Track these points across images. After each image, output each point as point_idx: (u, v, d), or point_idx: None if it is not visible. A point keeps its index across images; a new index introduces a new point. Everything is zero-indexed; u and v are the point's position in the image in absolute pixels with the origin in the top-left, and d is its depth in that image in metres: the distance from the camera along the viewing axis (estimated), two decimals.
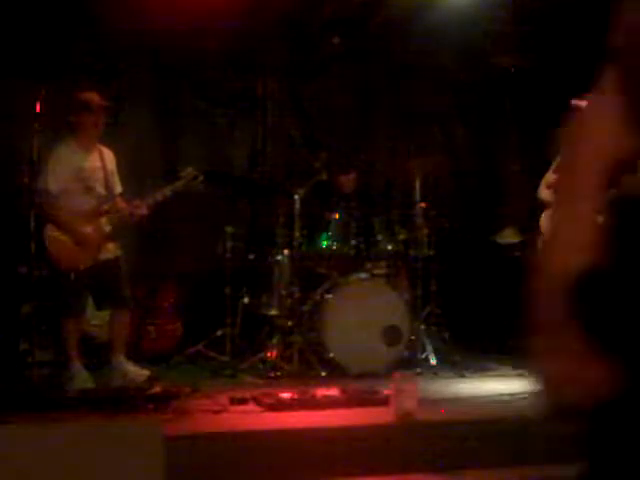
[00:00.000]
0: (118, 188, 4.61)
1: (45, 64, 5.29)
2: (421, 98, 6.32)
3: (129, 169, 4.78)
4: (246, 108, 6.18)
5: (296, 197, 4.95)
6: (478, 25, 6.08)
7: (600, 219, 0.77)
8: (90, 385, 4.29)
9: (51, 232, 4.37)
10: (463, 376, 4.76)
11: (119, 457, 2.33)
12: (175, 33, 5.53)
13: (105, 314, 4.69)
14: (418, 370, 4.75)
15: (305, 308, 4.98)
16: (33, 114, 4.21)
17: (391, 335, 4.84)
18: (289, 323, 4.89)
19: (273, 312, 5.03)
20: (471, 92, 6.50)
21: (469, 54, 6.28)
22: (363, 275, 5.04)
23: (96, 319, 4.86)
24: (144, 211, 4.52)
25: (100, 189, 4.51)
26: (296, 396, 3.91)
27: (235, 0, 5.57)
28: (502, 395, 4.09)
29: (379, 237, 5.10)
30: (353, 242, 5.04)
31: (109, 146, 4.64)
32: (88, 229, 4.42)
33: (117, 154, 4.68)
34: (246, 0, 5.63)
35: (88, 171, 4.48)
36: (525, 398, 3.92)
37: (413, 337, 4.97)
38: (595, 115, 0.78)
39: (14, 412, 3.52)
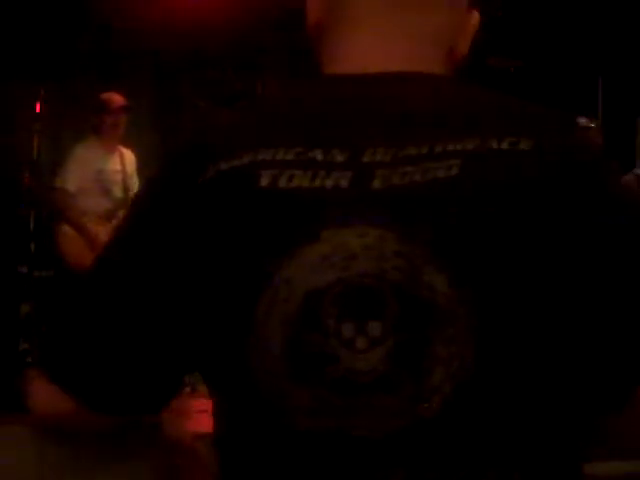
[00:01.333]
0: (135, 190, 4.59)
1: (45, 64, 5.29)
2: None
3: None
4: None
5: None
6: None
7: None
8: None
9: (66, 231, 4.37)
10: None
11: (118, 457, 2.33)
12: (175, 33, 5.53)
13: None
14: None
15: None
16: (33, 115, 4.21)
17: None
18: None
19: None
20: None
21: (468, 55, 6.28)
22: None
23: None
24: None
25: (118, 192, 4.50)
26: None
27: (235, 1, 5.57)
28: None
29: None
30: None
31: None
32: (101, 232, 4.40)
33: None
34: (246, 0, 5.63)
35: (108, 173, 4.47)
36: None
37: None
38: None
39: (14, 412, 3.52)
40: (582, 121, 5.37)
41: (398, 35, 0.86)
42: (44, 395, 0.89)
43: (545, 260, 0.73)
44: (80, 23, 5.56)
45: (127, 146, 4.79)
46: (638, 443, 0.75)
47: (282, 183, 0.76)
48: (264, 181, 0.76)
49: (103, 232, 4.40)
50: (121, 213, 4.46)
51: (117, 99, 4.50)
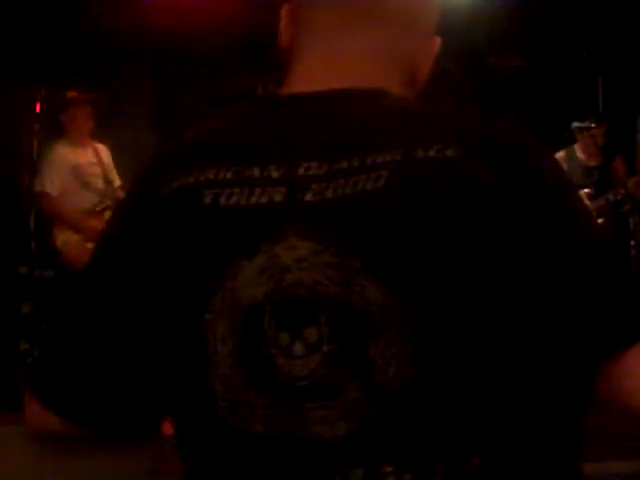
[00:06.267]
0: (117, 182, 4.63)
1: (45, 64, 5.29)
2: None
3: (128, 168, 4.78)
4: None
5: None
6: (477, 26, 6.09)
7: None
8: None
9: (62, 233, 4.37)
10: None
11: (118, 457, 2.33)
12: (175, 33, 5.53)
13: None
14: None
15: None
16: (33, 114, 4.21)
17: None
18: None
19: None
20: (470, 93, 6.51)
21: (468, 55, 6.28)
22: None
23: None
24: None
25: (99, 184, 4.52)
26: None
27: (235, 1, 5.57)
28: None
29: None
30: None
31: (108, 144, 4.66)
32: (95, 223, 4.40)
33: (116, 153, 4.68)
34: (246, 1, 5.63)
35: (84, 167, 4.49)
36: None
37: None
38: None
39: (14, 412, 3.52)
40: (585, 122, 5.38)
41: (349, 54, 0.90)
42: (39, 413, 0.94)
43: (475, 262, 0.76)
44: (80, 23, 5.56)
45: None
46: (638, 443, 0.75)
47: (222, 201, 0.81)
48: (207, 199, 0.81)
49: (97, 224, 4.40)
50: (108, 203, 4.49)
51: (74, 94, 4.54)
